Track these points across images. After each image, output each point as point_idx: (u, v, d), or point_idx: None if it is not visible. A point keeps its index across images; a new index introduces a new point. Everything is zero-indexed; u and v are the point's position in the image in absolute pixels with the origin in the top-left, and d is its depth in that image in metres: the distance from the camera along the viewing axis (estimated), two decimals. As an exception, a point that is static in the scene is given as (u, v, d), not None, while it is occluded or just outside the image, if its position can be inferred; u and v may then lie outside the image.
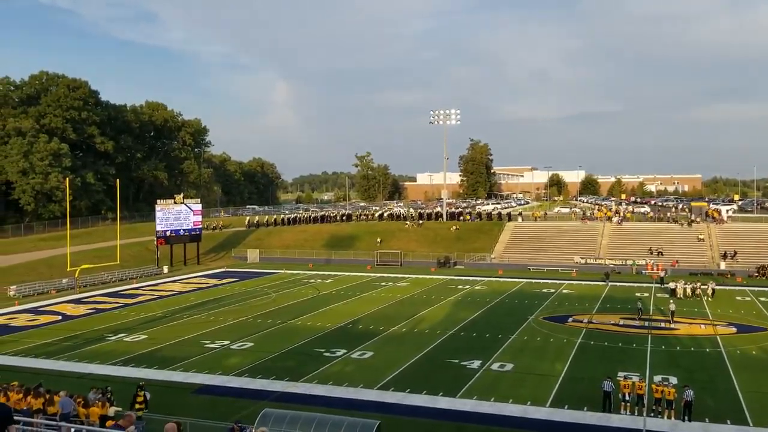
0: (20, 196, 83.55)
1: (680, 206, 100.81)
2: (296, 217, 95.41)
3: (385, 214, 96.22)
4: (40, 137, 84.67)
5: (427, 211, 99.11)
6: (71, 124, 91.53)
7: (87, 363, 31.96)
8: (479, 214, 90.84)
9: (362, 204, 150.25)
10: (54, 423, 14.38)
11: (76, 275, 55.95)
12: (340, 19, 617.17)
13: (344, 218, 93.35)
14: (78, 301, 50.51)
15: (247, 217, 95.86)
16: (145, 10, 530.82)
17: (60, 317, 44.29)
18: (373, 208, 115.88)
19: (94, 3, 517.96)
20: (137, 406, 22.14)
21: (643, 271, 63.07)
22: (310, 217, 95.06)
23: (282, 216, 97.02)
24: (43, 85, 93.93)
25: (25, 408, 20.33)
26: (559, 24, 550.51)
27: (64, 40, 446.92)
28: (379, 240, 78.54)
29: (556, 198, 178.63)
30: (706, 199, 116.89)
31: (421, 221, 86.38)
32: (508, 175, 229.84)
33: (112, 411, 21.38)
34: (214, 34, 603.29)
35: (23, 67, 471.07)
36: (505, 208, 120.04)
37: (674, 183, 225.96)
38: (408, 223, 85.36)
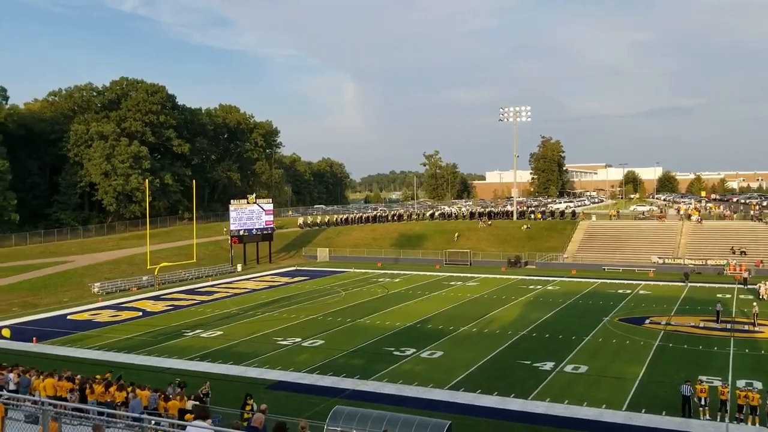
0: (103, 197, 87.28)
1: (765, 203, 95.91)
2: (347, 217, 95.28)
3: (436, 214, 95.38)
4: (121, 140, 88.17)
5: (486, 209, 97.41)
6: (150, 127, 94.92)
7: (165, 357, 33.11)
8: (551, 213, 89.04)
9: (429, 203, 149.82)
10: (136, 416, 14.93)
11: (156, 273, 58.09)
12: (406, 18, 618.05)
13: (385, 219, 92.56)
14: (157, 298, 52.39)
15: (300, 218, 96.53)
16: (218, 15, 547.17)
17: (140, 313, 46.05)
18: (443, 207, 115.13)
19: (171, 10, 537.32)
20: (246, 415, 22.21)
21: (725, 272, 60.37)
22: (362, 217, 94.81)
23: (336, 216, 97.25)
24: (123, 91, 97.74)
25: (108, 400, 21.21)
26: (631, 16, 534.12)
27: (143, 47, 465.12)
28: (456, 235, 78.79)
29: (632, 196, 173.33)
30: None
31: (489, 221, 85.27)
32: (581, 172, 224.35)
33: (190, 404, 22.04)
34: (283, 37, 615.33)
35: (105, 74, 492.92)
36: (578, 206, 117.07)
37: (758, 179, 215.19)
38: (481, 223, 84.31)
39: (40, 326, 41.83)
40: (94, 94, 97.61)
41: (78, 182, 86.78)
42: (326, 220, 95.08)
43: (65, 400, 20.17)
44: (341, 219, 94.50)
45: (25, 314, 46.31)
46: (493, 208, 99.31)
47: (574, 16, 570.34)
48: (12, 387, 21.62)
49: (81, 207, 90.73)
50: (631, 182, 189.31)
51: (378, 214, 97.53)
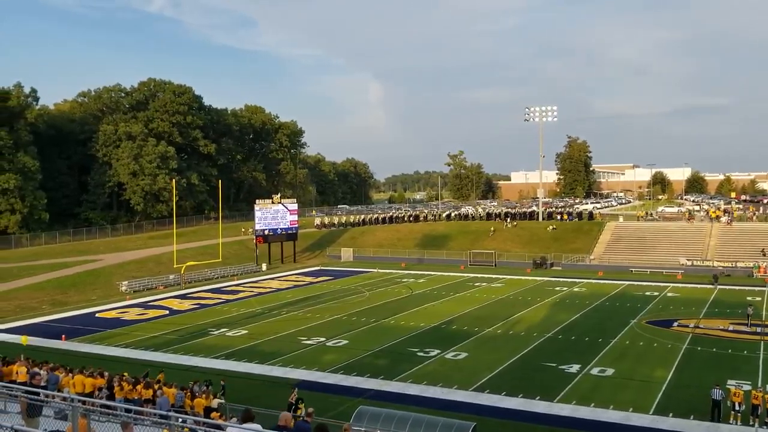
0: (131, 197, 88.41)
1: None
2: (365, 218, 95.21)
3: (453, 215, 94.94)
4: (149, 141, 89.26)
5: (512, 209, 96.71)
6: (177, 128, 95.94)
7: (192, 356, 33.43)
8: (578, 214, 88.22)
9: (453, 203, 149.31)
10: (163, 413, 15.12)
11: (182, 272, 58.69)
12: (430, 17, 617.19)
13: (402, 219, 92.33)
14: (184, 297, 52.91)
15: (317, 219, 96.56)
16: (243, 16, 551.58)
17: (167, 312, 46.54)
18: (467, 207, 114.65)
19: (197, 12, 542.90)
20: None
21: (755, 274, 59.28)
22: (380, 217, 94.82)
23: (353, 217, 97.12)
24: (151, 91, 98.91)
25: (135, 398, 21.46)
26: (658, 14, 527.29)
27: (170, 48, 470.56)
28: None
29: (660, 197, 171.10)
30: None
31: (514, 221, 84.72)
32: (608, 173, 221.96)
33: (215, 403, 22.26)
34: (307, 37, 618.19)
35: (133, 75, 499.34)
36: (605, 207, 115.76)
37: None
38: (504, 224, 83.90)
39: (69, 324, 42.50)
40: (123, 94, 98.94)
41: (106, 182, 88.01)
42: (342, 220, 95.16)
43: (93, 396, 20.46)
44: (359, 220, 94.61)
45: (55, 312, 47.07)
46: (516, 209, 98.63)
47: (601, 14, 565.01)
48: (42, 384, 21.97)
49: (109, 206, 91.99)
50: (659, 183, 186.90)
51: (395, 214, 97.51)
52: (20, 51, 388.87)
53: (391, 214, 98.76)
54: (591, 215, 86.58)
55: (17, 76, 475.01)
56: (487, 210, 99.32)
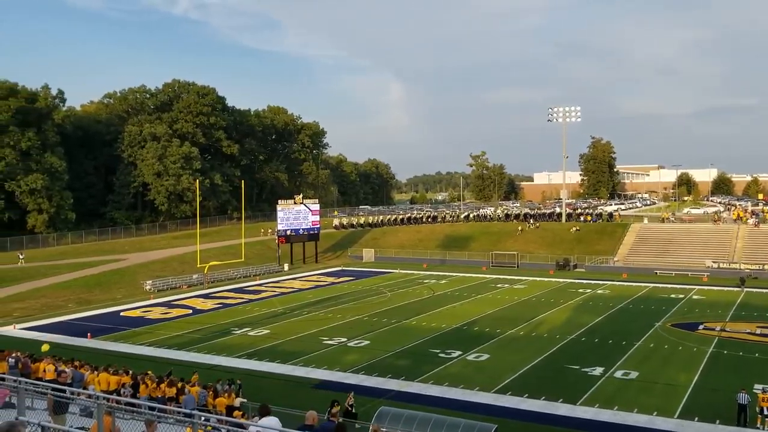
0: (155, 197, 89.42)
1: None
2: (382, 219, 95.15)
3: (471, 215, 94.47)
4: (173, 141, 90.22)
5: (524, 210, 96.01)
6: (201, 128, 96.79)
7: (214, 355, 33.68)
8: (600, 215, 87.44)
9: (474, 204, 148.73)
10: (187, 411, 15.23)
11: (205, 271, 59.19)
12: (452, 17, 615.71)
13: (420, 220, 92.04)
14: (207, 296, 53.33)
15: (335, 220, 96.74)
16: (267, 18, 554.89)
17: (191, 311, 46.95)
18: (489, 208, 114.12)
19: (221, 13, 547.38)
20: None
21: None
22: (398, 218, 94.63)
23: (371, 218, 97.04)
24: (175, 93, 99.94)
25: (159, 396, 21.68)
26: (684, 13, 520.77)
27: (194, 49, 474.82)
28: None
29: (685, 198, 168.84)
30: None
31: (536, 223, 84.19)
32: (632, 174, 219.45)
33: (237, 402, 22.40)
34: (329, 38, 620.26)
35: (158, 76, 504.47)
36: (629, 208, 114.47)
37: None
38: (528, 225, 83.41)
39: (94, 322, 43.07)
40: (147, 96, 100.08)
41: (131, 182, 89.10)
42: (361, 221, 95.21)
43: (118, 394, 20.70)
44: (378, 221, 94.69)
45: (80, 310, 47.73)
46: (536, 210, 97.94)
47: (625, 13, 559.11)
48: (68, 381, 22.28)
49: (134, 206, 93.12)
50: (685, 184, 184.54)
51: (414, 215, 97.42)
52: (48, 52, 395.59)
53: (409, 214, 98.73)
54: (611, 216, 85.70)
55: (45, 77, 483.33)
56: (506, 211, 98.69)
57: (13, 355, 24.95)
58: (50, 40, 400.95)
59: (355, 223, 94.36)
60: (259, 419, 11.21)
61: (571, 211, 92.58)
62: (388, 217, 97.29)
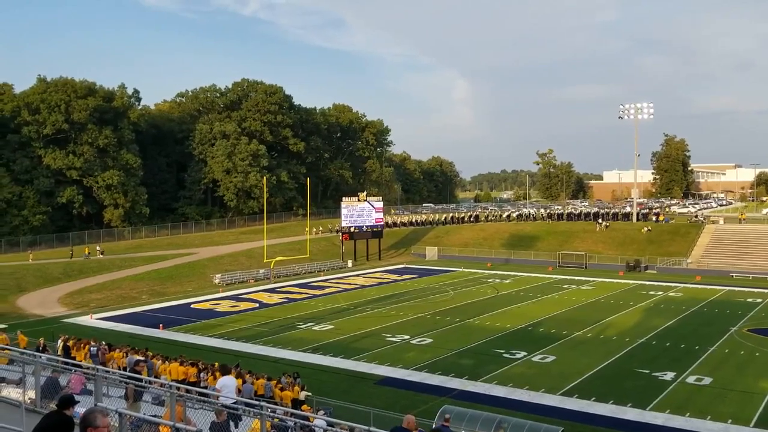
0: (224, 193, 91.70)
1: None
2: (426, 218, 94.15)
3: (513, 215, 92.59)
4: (242, 139, 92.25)
5: (604, 210, 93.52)
6: (268, 126, 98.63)
7: (280, 348, 34.28)
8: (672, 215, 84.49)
9: (540, 203, 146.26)
10: (256, 402, 15.53)
11: (272, 266, 60.31)
12: (520, 13, 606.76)
13: (461, 220, 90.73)
14: (273, 291, 54.34)
15: (388, 218, 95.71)
16: (333, 16, 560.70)
17: (257, 305, 47.95)
18: (556, 207, 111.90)
19: (289, 13, 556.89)
20: None
21: None
22: (449, 217, 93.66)
23: (414, 217, 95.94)
24: (243, 92, 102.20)
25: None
26: (763, 5, 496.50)
27: (262, 49, 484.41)
28: (601, 223, 78.77)
29: (764, 198, 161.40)
30: None
31: (606, 222, 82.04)
32: (707, 172, 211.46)
33: (302, 395, 22.72)
34: (395, 36, 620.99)
35: (227, 75, 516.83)
36: (705, 208, 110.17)
37: None
38: (597, 225, 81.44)
39: (166, 314, 44.53)
40: (218, 95, 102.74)
41: (202, 179, 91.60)
42: (408, 220, 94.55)
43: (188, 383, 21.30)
44: (420, 220, 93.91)
45: (153, 302, 49.47)
46: (606, 209, 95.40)
47: (700, 6, 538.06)
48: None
49: (204, 202, 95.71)
50: (764, 184, 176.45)
51: (454, 215, 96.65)
52: (124, 53, 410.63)
53: (452, 214, 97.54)
54: (658, 214, 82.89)
55: (121, 77, 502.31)
56: (566, 210, 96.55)
57: (93, 344, 26.06)
58: (126, 40, 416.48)
59: (398, 222, 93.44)
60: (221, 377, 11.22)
61: (647, 210, 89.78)
62: (449, 215, 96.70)
